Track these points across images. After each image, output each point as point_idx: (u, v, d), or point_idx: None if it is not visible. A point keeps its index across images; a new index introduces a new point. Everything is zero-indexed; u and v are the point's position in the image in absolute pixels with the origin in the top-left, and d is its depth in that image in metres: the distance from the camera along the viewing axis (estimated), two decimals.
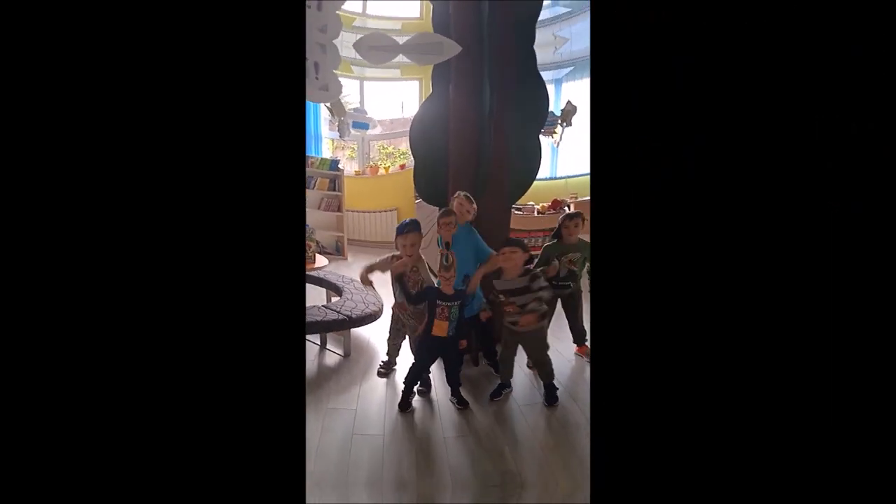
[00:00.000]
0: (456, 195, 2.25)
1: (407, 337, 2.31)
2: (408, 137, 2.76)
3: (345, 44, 2.43)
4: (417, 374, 2.07)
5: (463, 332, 2.05)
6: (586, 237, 2.27)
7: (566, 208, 4.14)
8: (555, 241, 2.38)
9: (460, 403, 2.01)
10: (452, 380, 2.07)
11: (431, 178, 2.64)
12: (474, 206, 2.21)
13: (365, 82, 5.77)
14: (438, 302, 2.00)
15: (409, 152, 2.96)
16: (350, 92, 5.82)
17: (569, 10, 5.04)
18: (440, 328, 2.00)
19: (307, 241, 2.91)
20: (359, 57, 2.00)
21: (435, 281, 2.07)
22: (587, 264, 2.31)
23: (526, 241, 3.55)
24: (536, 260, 2.35)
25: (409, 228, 2.11)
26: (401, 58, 2.00)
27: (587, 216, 2.26)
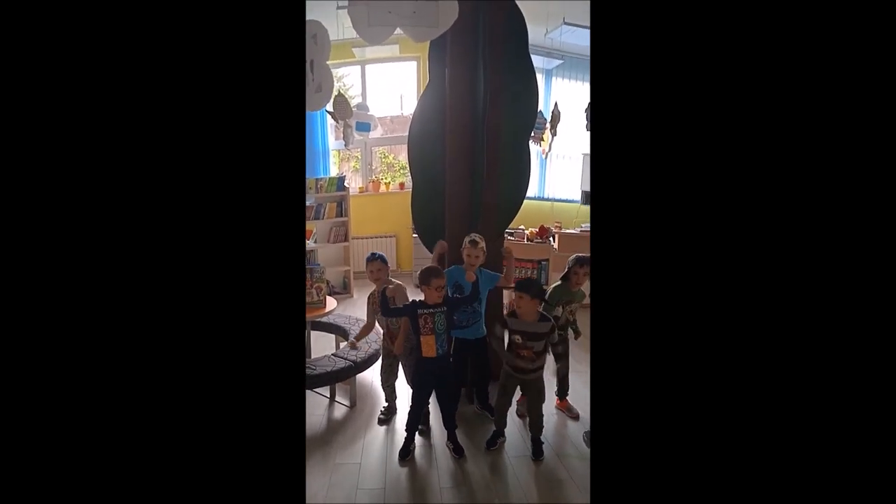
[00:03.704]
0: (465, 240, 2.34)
1: (402, 370, 2.43)
2: (406, 146, 2.84)
3: (346, 26, 2.41)
4: (417, 414, 2.17)
5: (453, 348, 2.07)
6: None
7: (551, 238, 4.27)
8: (562, 282, 2.41)
9: (456, 452, 2.16)
10: (449, 423, 2.20)
11: (429, 209, 2.78)
12: (481, 246, 2.31)
13: (366, 68, 5.65)
14: (420, 311, 2.03)
15: (408, 166, 3.06)
16: (353, 83, 5.84)
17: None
18: (428, 346, 2.05)
19: (318, 284, 2.89)
20: (359, 38, 1.99)
21: None
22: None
23: (517, 272, 3.66)
24: (546, 300, 2.36)
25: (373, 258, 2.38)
26: (399, 31, 1.98)
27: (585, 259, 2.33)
